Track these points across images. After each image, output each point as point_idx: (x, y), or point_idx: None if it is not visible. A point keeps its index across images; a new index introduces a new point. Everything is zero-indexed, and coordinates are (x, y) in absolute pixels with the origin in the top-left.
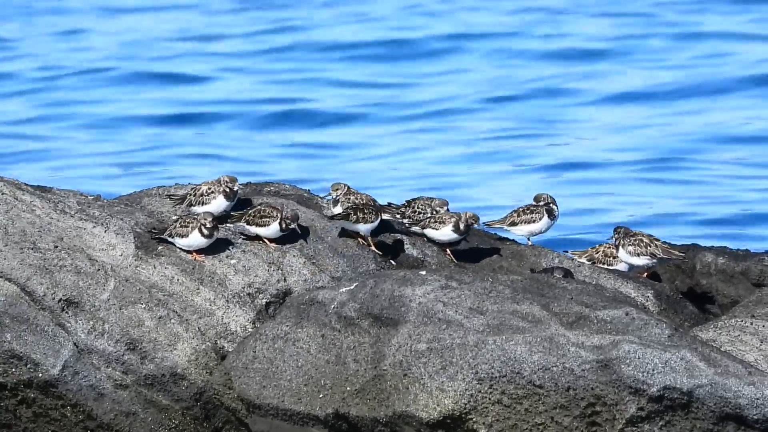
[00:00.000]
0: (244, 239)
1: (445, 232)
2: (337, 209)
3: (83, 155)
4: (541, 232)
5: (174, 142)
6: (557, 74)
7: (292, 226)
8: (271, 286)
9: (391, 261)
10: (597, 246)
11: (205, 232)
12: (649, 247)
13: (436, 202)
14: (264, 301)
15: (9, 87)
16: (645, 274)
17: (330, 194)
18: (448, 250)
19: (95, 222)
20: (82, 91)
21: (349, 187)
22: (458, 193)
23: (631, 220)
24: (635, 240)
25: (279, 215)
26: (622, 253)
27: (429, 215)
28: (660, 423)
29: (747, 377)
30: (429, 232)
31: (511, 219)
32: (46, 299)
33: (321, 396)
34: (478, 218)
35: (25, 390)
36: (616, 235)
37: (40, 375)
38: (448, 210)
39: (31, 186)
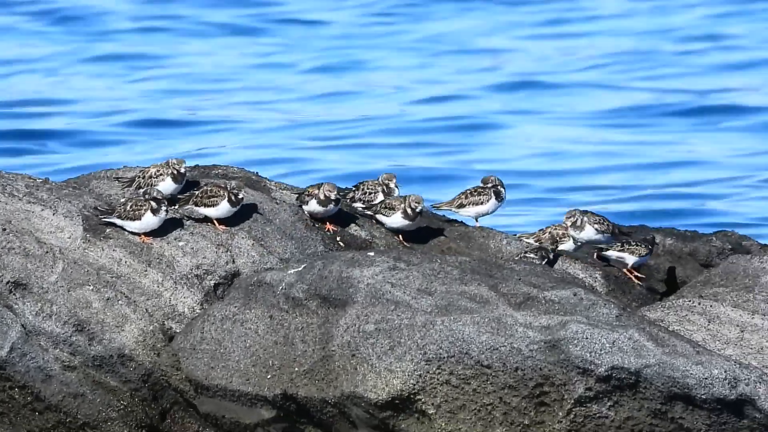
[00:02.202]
0: (192, 222)
1: (395, 219)
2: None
3: None
4: (488, 213)
5: None
6: None
7: (241, 195)
8: (219, 267)
9: (340, 243)
10: (545, 228)
11: (155, 206)
12: (610, 226)
13: (384, 176)
14: (212, 282)
15: None
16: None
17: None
18: (400, 235)
19: (43, 205)
20: None
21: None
22: None
23: None
24: (599, 219)
25: (226, 193)
26: (588, 230)
27: (381, 199)
28: (608, 403)
29: (695, 357)
30: (380, 218)
31: (459, 201)
32: None
33: (269, 377)
34: (422, 199)
35: None
36: (572, 217)
37: None
38: (396, 184)
39: None
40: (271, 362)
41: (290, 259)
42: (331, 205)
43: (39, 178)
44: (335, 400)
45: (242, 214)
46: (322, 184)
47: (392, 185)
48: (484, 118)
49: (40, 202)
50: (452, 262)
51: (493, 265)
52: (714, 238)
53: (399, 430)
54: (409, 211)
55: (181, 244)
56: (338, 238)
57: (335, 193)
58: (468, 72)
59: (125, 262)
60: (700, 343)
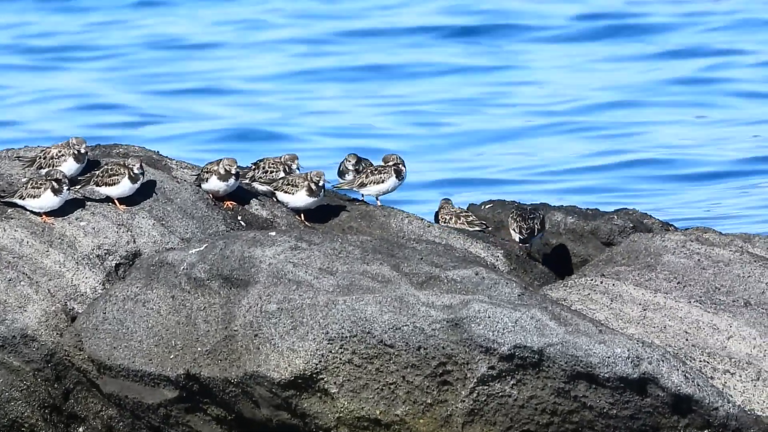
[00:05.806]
0: (94, 202)
1: (300, 197)
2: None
3: None
4: (388, 192)
5: None
6: None
7: (141, 171)
8: (120, 247)
9: (241, 222)
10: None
11: (56, 186)
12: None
13: (286, 156)
14: (114, 262)
15: None
16: None
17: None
18: (301, 215)
19: None
20: None
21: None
22: None
23: None
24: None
25: (126, 171)
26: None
27: (282, 176)
28: (511, 382)
29: (597, 336)
30: (283, 196)
31: (360, 180)
32: None
33: (172, 357)
34: (323, 174)
35: None
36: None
37: None
38: (298, 165)
39: None
40: (173, 342)
41: (192, 239)
42: (232, 180)
43: None
44: (238, 380)
45: (143, 193)
46: (221, 159)
47: (294, 166)
48: None
49: None
50: (354, 241)
51: (394, 244)
52: (615, 217)
53: (302, 409)
54: (313, 186)
55: (82, 224)
56: (239, 218)
57: (235, 167)
58: None
59: (27, 242)
60: (602, 322)
